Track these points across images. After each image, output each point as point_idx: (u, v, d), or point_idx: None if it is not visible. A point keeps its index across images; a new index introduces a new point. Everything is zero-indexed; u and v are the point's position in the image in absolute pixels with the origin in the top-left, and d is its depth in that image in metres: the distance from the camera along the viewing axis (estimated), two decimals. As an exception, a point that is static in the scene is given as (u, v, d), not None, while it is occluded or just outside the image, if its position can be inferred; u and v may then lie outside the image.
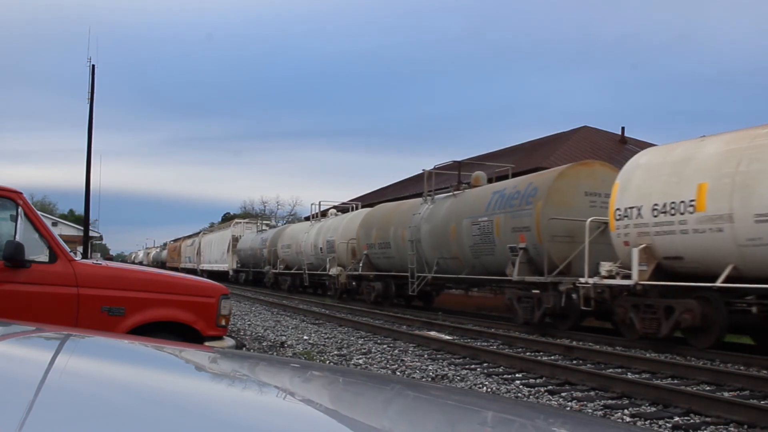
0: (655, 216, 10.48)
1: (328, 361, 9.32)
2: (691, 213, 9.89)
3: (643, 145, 26.49)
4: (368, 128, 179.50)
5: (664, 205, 10.33)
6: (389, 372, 8.48)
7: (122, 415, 0.90)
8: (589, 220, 11.96)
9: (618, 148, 27.03)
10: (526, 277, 13.25)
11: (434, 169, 18.85)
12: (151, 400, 1.01)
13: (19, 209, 5.15)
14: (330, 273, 23.31)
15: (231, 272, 38.74)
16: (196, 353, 1.67)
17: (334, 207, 29.51)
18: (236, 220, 44.33)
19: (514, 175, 17.11)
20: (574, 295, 12.04)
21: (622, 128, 30.50)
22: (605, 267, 11.26)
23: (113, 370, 1.30)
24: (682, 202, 10.04)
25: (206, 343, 5.42)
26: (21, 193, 5.26)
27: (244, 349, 9.41)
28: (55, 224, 47.75)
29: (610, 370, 8.52)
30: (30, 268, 5.09)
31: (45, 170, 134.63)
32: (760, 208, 8.98)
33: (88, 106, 22.34)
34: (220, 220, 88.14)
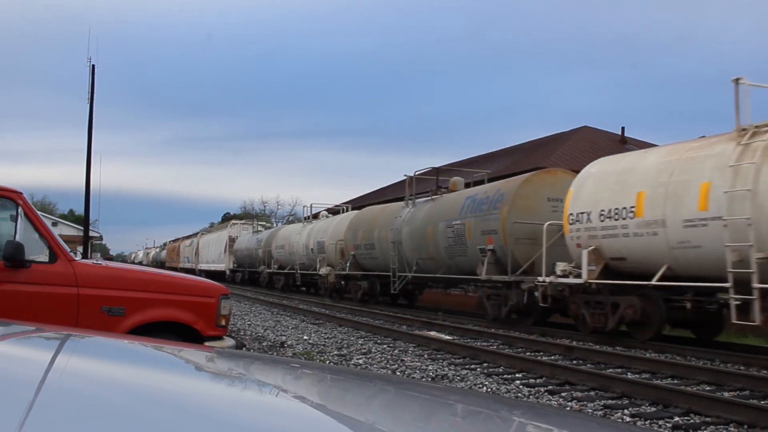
0: (602, 221, 11.53)
1: (328, 361, 9.32)
2: (632, 218, 10.95)
3: (643, 145, 26.48)
4: (368, 128, 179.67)
5: (610, 211, 11.41)
6: (389, 372, 8.48)
7: (122, 415, 0.90)
8: (547, 224, 12.93)
9: (618, 148, 27.00)
10: (493, 277, 14.36)
11: (415, 175, 19.89)
12: (151, 400, 1.01)
13: (19, 209, 5.15)
14: (320, 273, 24.30)
15: (228, 272, 39.62)
16: (196, 353, 1.67)
17: (327, 209, 30.39)
18: (233, 221, 45.38)
19: (516, 174, 17.38)
20: (536, 293, 12.83)
21: (622, 128, 30.53)
22: (560, 267, 12.29)
23: (113, 370, 1.30)
24: (624, 208, 11.12)
25: (206, 343, 5.42)
26: (21, 193, 5.26)
27: (244, 349, 9.41)
28: (55, 224, 47.74)
29: (610, 370, 8.53)
30: (30, 268, 5.09)
31: (45, 170, 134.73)
32: (687, 214, 10.01)
33: (88, 106, 22.36)
34: (220, 220, 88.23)
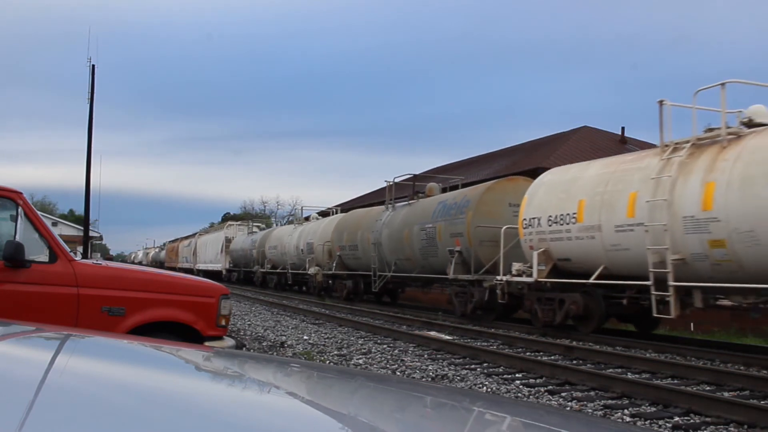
0: (550, 225, 12.84)
1: (328, 361, 9.32)
2: (574, 223, 12.26)
3: (643, 145, 26.48)
4: (368, 128, 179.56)
5: (556, 217, 12.70)
6: (389, 372, 8.48)
7: (122, 415, 0.90)
8: (504, 227, 14.31)
9: (618, 148, 27.00)
10: (459, 276, 15.71)
11: (394, 181, 21.25)
12: (151, 400, 1.01)
13: (19, 209, 5.15)
14: (309, 272, 25.73)
15: (224, 272, 40.76)
16: (196, 353, 1.67)
17: (318, 212, 32.20)
18: (229, 222, 47.00)
19: (515, 174, 17.60)
20: (498, 291, 13.96)
21: (622, 128, 30.51)
22: (515, 267, 13.59)
23: (113, 370, 1.30)
24: (568, 214, 12.42)
25: (206, 343, 5.42)
26: (21, 193, 5.26)
27: (244, 349, 9.41)
28: (55, 224, 47.76)
29: (610, 370, 8.53)
30: (30, 268, 5.09)
31: (45, 170, 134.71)
32: (618, 221, 11.30)
33: (88, 106, 22.37)
34: (219, 220, 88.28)
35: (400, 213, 19.64)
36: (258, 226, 42.55)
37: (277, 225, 45.23)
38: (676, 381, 7.88)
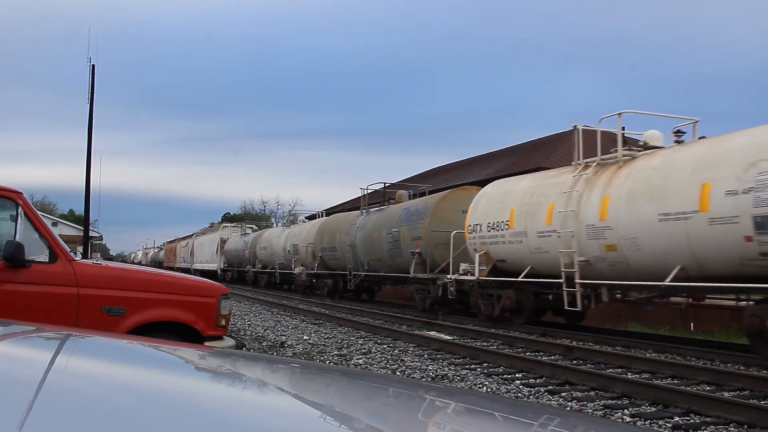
0: (489, 231, 14.69)
1: (328, 361, 9.32)
2: (507, 229, 14.12)
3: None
4: (368, 128, 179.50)
5: (494, 223, 14.56)
6: (389, 372, 8.48)
7: (122, 415, 0.90)
8: (453, 232, 16.15)
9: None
10: (418, 275, 17.66)
11: (367, 188, 23.43)
12: (151, 400, 1.01)
13: (19, 209, 5.15)
14: (294, 272, 27.90)
15: (219, 271, 42.50)
16: (196, 353, 1.67)
17: (306, 216, 35.00)
18: (224, 224, 50.50)
19: (516, 173, 17.79)
20: (449, 288, 15.78)
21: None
22: (462, 267, 15.41)
23: (113, 370, 1.30)
24: (503, 221, 14.27)
25: (206, 343, 5.42)
26: (21, 193, 5.26)
27: (244, 349, 9.41)
28: (55, 224, 47.79)
29: (610, 370, 8.53)
30: (30, 268, 5.09)
31: (45, 170, 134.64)
32: (539, 228, 13.17)
33: (88, 106, 22.37)
34: (220, 220, 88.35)
35: (372, 218, 21.58)
36: (251, 228, 44.09)
37: (276, 225, 45.75)
38: (676, 381, 7.88)
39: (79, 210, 47.99)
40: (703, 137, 11.30)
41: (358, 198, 26.55)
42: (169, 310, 5.56)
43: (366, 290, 24.08)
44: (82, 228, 28.30)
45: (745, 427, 5.74)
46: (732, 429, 5.72)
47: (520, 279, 13.62)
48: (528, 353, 10.10)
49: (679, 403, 6.40)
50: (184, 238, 61.91)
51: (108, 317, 5.24)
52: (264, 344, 11.28)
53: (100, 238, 59.60)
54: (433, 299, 17.05)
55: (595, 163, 12.50)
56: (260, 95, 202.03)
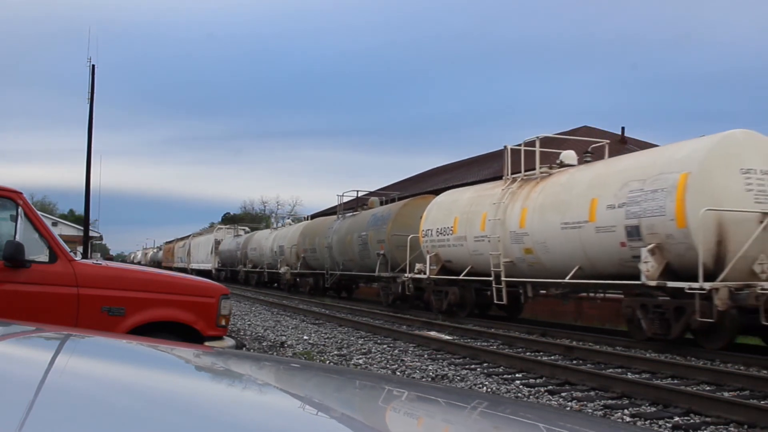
0: (438, 235, 16.75)
1: (328, 361, 9.32)
2: (451, 234, 16.17)
3: (643, 145, 26.43)
4: (369, 128, 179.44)
5: (442, 229, 16.60)
6: (389, 372, 8.48)
7: (122, 415, 0.90)
8: (410, 236, 18.05)
9: (618, 149, 26.99)
10: (382, 274, 19.90)
11: (343, 195, 26.39)
12: (151, 400, 1.01)
13: (19, 209, 5.15)
14: (280, 271, 30.34)
15: (214, 271, 44.59)
16: (196, 353, 1.67)
17: (292, 218, 38.72)
18: (218, 226, 54.29)
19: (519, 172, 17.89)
20: (409, 285, 17.85)
21: (622, 128, 30.46)
22: (417, 266, 17.43)
23: (113, 370, 1.30)
24: (448, 227, 16.31)
25: (206, 343, 5.42)
26: (21, 193, 5.26)
27: (244, 349, 9.41)
28: (55, 224, 47.84)
29: (610, 370, 8.52)
30: (30, 268, 5.09)
31: (45, 170, 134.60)
32: (475, 233, 15.25)
33: (88, 106, 22.37)
34: (220, 219, 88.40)
35: (346, 222, 23.77)
36: (244, 230, 45.99)
37: (276, 225, 46.37)
38: (676, 381, 7.87)
39: (79, 210, 48.15)
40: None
41: (350, 201, 28.82)
42: (169, 310, 5.56)
43: (344, 288, 26.48)
44: (82, 228, 28.31)
45: (745, 427, 5.74)
46: (732, 429, 5.72)
47: (461, 277, 15.77)
48: (528, 353, 10.09)
49: (679, 403, 6.40)
50: (181, 239, 63.90)
51: (108, 317, 5.24)
52: (264, 344, 11.28)
53: (100, 238, 59.68)
54: (395, 295, 19.14)
55: (519, 179, 14.67)
56: (260, 95, 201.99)
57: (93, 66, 22.88)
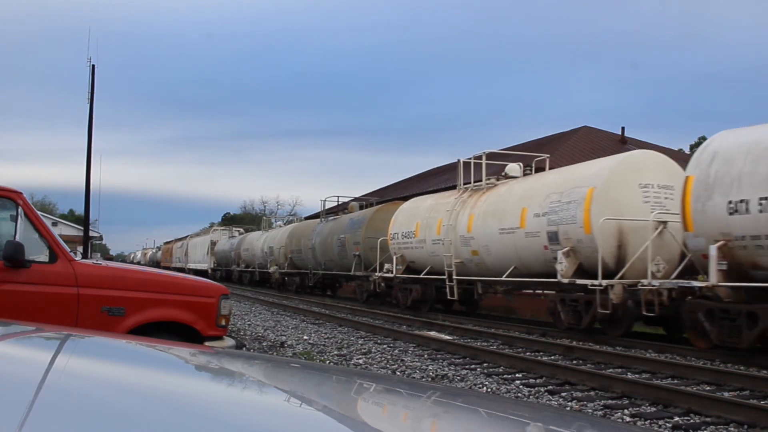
0: (403, 238, 18.62)
1: (328, 361, 9.32)
2: (414, 238, 18.04)
3: (643, 145, 26.43)
4: (369, 127, 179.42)
5: (406, 233, 18.45)
6: (389, 372, 8.48)
7: (122, 415, 0.90)
8: (380, 239, 19.90)
9: (618, 149, 27.00)
10: (357, 273, 21.76)
11: (325, 200, 28.43)
12: (151, 400, 1.01)
13: (19, 209, 5.14)
14: (270, 270, 32.36)
15: (210, 270, 46.19)
16: (196, 353, 1.67)
17: (282, 221, 39.62)
18: (214, 227, 57.40)
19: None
20: (381, 283, 19.56)
21: (622, 128, 30.51)
22: (386, 266, 19.31)
23: (113, 370, 1.30)
24: (411, 231, 18.18)
25: (206, 343, 5.42)
26: (21, 193, 5.26)
27: (244, 349, 9.41)
28: (55, 224, 47.86)
29: (610, 370, 8.52)
30: (30, 268, 5.09)
31: (45, 170, 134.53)
32: (433, 237, 16.89)
33: (89, 106, 22.36)
34: (220, 219, 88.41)
35: (327, 225, 25.58)
36: (238, 231, 47.55)
37: (276, 225, 47.04)
38: (676, 381, 7.87)
39: (79, 210, 48.27)
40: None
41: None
42: (169, 310, 5.56)
43: (329, 286, 28.29)
44: (82, 228, 28.30)
45: (745, 427, 5.74)
46: (732, 429, 5.72)
47: (422, 276, 17.68)
48: (528, 353, 10.09)
49: (679, 403, 6.40)
50: (179, 240, 66.16)
51: (108, 317, 5.24)
52: (264, 344, 11.28)
53: (100, 238, 59.73)
54: (368, 292, 20.83)
55: (469, 189, 16.48)
56: (260, 95, 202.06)
57: (93, 66, 22.87)
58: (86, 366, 1.30)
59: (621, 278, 11.40)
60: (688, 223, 10.26)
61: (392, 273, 18.73)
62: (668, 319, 11.29)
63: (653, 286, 10.65)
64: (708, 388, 7.47)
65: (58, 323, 4.54)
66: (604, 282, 11.25)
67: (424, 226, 17.47)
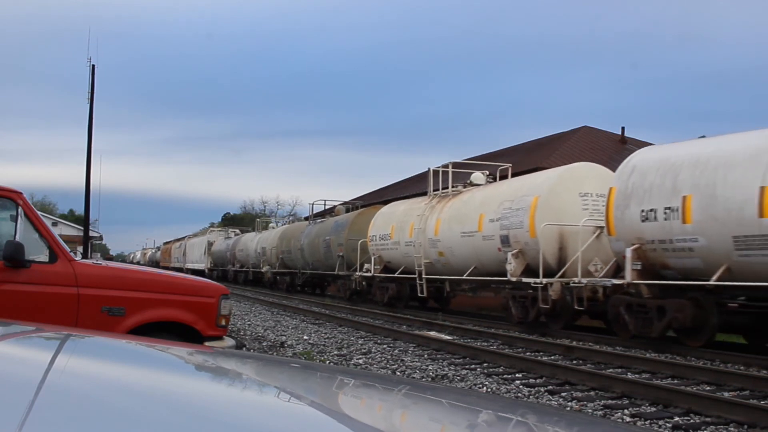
0: (381, 240, 20.11)
1: (328, 361, 9.32)
2: (390, 240, 19.50)
3: (643, 145, 26.36)
4: (370, 127, 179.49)
5: (383, 235, 19.93)
6: (389, 372, 8.48)
7: (122, 415, 0.90)
8: (360, 240, 21.42)
9: (618, 149, 27.01)
10: (341, 272, 23.46)
11: (313, 203, 31.33)
12: (151, 400, 1.01)
13: (19, 209, 5.14)
14: (262, 270, 34.24)
15: (206, 270, 47.47)
16: (196, 353, 1.67)
17: (274, 223, 43.08)
18: (211, 229, 59.03)
19: (516, 174, 18.03)
20: (362, 282, 21.12)
21: (622, 128, 30.47)
22: (365, 266, 20.82)
23: (113, 370, 1.30)
24: (387, 234, 19.64)
25: (206, 343, 5.42)
26: (21, 193, 5.26)
27: (244, 349, 9.41)
28: (55, 224, 47.89)
29: (610, 370, 8.52)
30: (30, 268, 5.08)
31: (45, 170, 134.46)
32: (406, 239, 18.40)
33: (89, 106, 22.36)
34: (220, 219, 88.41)
35: (315, 228, 27.29)
36: (234, 232, 49.13)
37: (276, 225, 47.52)
38: (676, 381, 7.87)
39: (79, 210, 48.35)
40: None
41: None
42: (169, 310, 5.56)
43: (317, 285, 29.93)
44: (82, 228, 28.30)
45: (745, 427, 5.74)
46: (732, 429, 5.72)
47: (396, 275, 19.11)
48: (528, 353, 10.09)
49: (679, 403, 6.40)
50: (177, 240, 67.83)
51: (108, 317, 5.24)
52: (264, 344, 11.28)
53: (100, 238, 59.78)
54: (351, 290, 22.46)
55: (438, 195, 17.95)
56: (260, 95, 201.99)
57: (93, 66, 22.88)
58: (86, 366, 1.30)
59: (561, 277, 12.77)
60: (611, 229, 11.67)
61: (371, 272, 20.26)
62: (606, 314, 12.25)
63: (581, 283, 12.08)
64: (708, 388, 7.47)
65: (58, 323, 4.54)
66: (545, 280, 12.70)
67: (398, 229, 19.00)
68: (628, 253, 10.96)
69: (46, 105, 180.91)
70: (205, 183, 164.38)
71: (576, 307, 12.25)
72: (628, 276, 11.00)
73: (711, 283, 9.74)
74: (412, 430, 1.10)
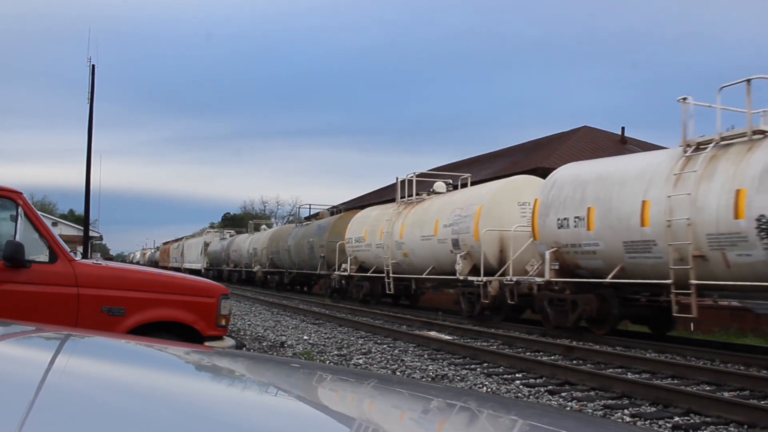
0: (356, 243, 22.04)
1: (328, 361, 9.32)
2: (363, 242, 21.41)
3: (643, 145, 26.43)
4: (370, 127, 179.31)
5: (358, 238, 21.83)
6: (389, 372, 8.48)
7: (122, 415, 0.90)
8: (339, 242, 23.25)
9: (618, 149, 27.01)
10: (322, 272, 25.67)
11: (299, 206, 34.77)
12: (151, 400, 1.01)
13: (19, 209, 5.14)
14: (254, 270, 36.46)
15: (203, 270, 49.07)
16: (196, 353, 1.67)
17: (265, 225, 45.12)
18: (207, 230, 61.09)
19: (516, 173, 18.06)
20: (342, 281, 23.05)
21: (622, 128, 30.49)
22: (343, 266, 22.68)
23: (113, 370, 1.30)
24: (361, 236, 21.56)
25: (206, 343, 5.42)
26: (21, 193, 5.26)
27: (244, 349, 9.40)
28: (55, 224, 47.89)
29: (610, 370, 8.52)
30: (30, 268, 5.08)
31: (45, 170, 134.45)
32: (377, 242, 20.51)
33: (89, 106, 22.36)
34: (220, 219, 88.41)
35: (301, 230, 29.31)
36: (229, 233, 50.92)
37: (276, 225, 48.08)
38: (676, 381, 7.87)
39: (79, 210, 48.42)
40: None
41: (337, 205, 33.50)
42: (169, 310, 5.56)
43: (305, 284, 31.58)
44: (82, 228, 28.30)
45: (745, 427, 5.74)
46: (732, 429, 5.72)
47: (369, 274, 21.03)
48: (528, 353, 10.09)
49: (679, 403, 6.40)
50: (175, 241, 69.59)
51: (108, 317, 5.24)
52: (264, 344, 11.28)
53: (100, 238, 59.77)
54: (331, 288, 24.29)
55: (404, 202, 19.95)
56: (260, 95, 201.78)
57: (93, 66, 22.87)
58: (86, 366, 1.30)
59: (501, 276, 14.48)
60: (535, 234, 13.45)
61: (348, 272, 22.22)
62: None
63: (512, 281, 13.83)
64: (708, 388, 7.47)
65: (58, 323, 4.55)
66: (485, 279, 14.62)
67: (371, 233, 20.92)
68: (547, 255, 12.83)
69: (46, 105, 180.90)
70: (205, 183, 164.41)
71: (509, 302, 13.94)
72: (547, 274, 12.85)
73: (607, 280, 11.64)
74: (412, 430, 1.10)
